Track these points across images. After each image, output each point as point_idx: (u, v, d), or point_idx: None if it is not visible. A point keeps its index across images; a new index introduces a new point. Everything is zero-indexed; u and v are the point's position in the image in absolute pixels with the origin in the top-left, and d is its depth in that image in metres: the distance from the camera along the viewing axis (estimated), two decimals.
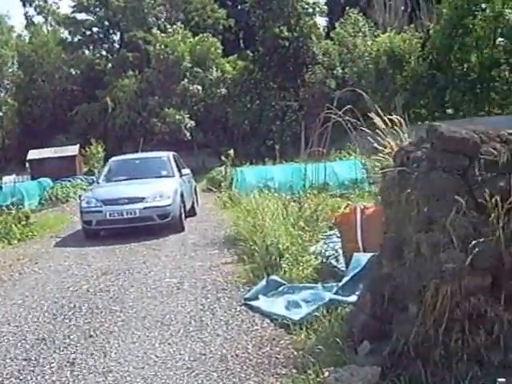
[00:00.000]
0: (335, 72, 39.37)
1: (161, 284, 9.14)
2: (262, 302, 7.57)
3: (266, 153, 36.26)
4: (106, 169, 16.56)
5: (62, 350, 6.61)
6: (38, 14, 56.83)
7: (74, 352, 6.52)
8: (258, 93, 41.79)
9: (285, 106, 40.13)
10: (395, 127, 6.91)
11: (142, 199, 13.76)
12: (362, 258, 7.05)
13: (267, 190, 18.11)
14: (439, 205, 4.91)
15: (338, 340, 5.51)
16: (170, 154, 16.64)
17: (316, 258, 8.70)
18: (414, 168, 5.24)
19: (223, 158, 32.50)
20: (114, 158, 17.05)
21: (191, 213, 16.48)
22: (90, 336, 7.00)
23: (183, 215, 14.65)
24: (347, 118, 18.27)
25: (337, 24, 42.06)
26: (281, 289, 7.79)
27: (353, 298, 6.63)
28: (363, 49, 39.51)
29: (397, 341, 5.05)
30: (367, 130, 8.27)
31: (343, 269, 8.42)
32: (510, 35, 34.54)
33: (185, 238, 13.39)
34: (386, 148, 6.43)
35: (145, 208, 13.64)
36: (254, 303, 7.62)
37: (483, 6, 34.87)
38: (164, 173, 15.47)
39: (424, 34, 38.85)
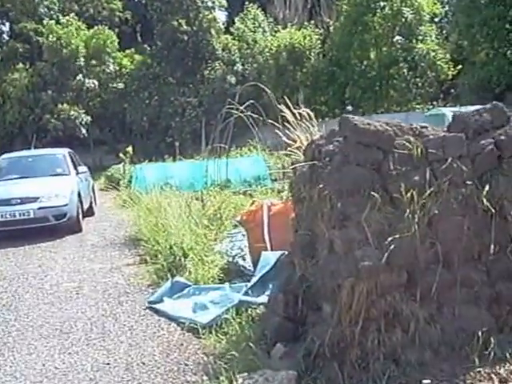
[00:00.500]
0: (235, 68, 39.28)
1: (58, 289, 8.73)
2: (168, 305, 7.34)
3: (166, 150, 35.82)
4: None
5: None
6: None
7: None
8: (157, 88, 41.13)
9: (184, 102, 39.72)
10: (304, 121, 6.85)
11: (36, 199, 13.15)
12: (270, 256, 6.92)
13: (168, 188, 17.84)
14: (353, 200, 4.84)
15: (250, 344, 5.35)
16: (66, 151, 16.03)
17: (222, 257, 8.53)
18: (326, 162, 5.15)
19: (121, 155, 31.85)
20: (4, 156, 16.20)
21: (89, 212, 15.95)
22: None
23: (81, 215, 14.14)
24: (249, 113, 18.32)
25: (236, 19, 42.00)
26: (186, 290, 7.58)
27: (263, 299, 6.50)
28: (263, 44, 39.66)
29: (312, 342, 4.95)
30: (275, 125, 8.12)
31: (250, 268, 8.29)
32: (407, 33, 35.59)
33: (83, 239, 12.92)
34: (295, 142, 6.34)
35: (39, 208, 13.04)
36: (158, 306, 7.38)
37: (382, 3, 35.77)
38: (59, 171, 14.87)
39: (324, 31, 39.49)
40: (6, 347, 6.50)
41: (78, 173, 15.01)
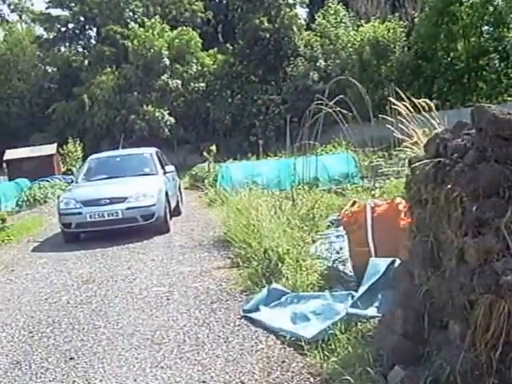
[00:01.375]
0: (318, 64, 38.51)
1: (148, 293, 8.23)
2: (264, 315, 6.70)
3: (249, 148, 35.45)
4: (84, 167, 15.49)
5: (39, 377, 5.73)
6: (12, 11, 55.46)
7: (53, 379, 5.64)
8: (239, 87, 40.87)
9: (267, 99, 39.25)
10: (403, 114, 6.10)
11: (124, 199, 12.80)
12: (379, 263, 6.18)
13: (255, 186, 17.29)
14: (491, 203, 4.06)
15: (363, 364, 4.64)
16: (153, 150, 15.66)
17: (320, 261, 7.83)
18: (456, 159, 4.38)
19: (205, 154, 31.60)
20: (93, 156, 16.03)
21: (176, 212, 15.53)
22: (71, 358, 6.11)
23: (168, 215, 13.70)
24: (338, 109, 17.56)
25: (317, 15, 41.19)
26: (284, 298, 6.91)
27: (371, 311, 5.78)
28: (346, 40, 38.76)
29: (440, 368, 4.20)
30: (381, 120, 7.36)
31: (351, 274, 7.60)
32: (497, 22, 33.91)
33: (171, 240, 12.46)
34: (409, 137, 5.59)
35: (128, 208, 12.68)
36: (254, 316, 6.74)
37: None
38: (147, 170, 14.50)
39: (408, 23, 38.18)
40: (97, 358, 6.02)
41: (165, 172, 14.61)
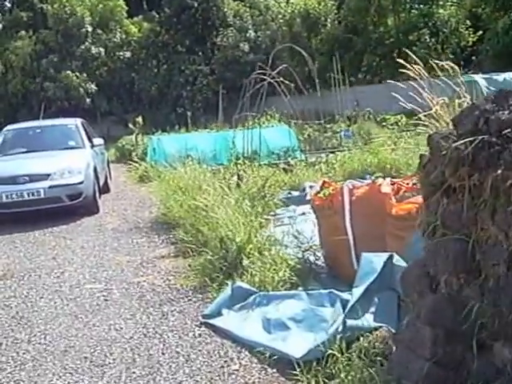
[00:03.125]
0: (248, 35, 37.09)
1: (81, 292, 6.83)
2: (230, 321, 5.44)
3: (176, 120, 33.91)
4: None
5: None
6: None
7: None
8: (166, 57, 39.01)
9: (195, 70, 37.60)
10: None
11: (46, 176, 11.18)
12: (374, 260, 4.98)
13: (190, 160, 15.95)
14: None
15: None
16: (78, 120, 13.99)
17: (287, 251, 6.62)
18: (507, 136, 3.26)
19: (131, 125, 29.99)
20: (9, 127, 14.06)
21: (105, 189, 14.00)
22: None
23: (97, 194, 12.20)
24: (281, 79, 16.36)
25: None
26: (251, 299, 5.65)
27: (368, 319, 4.62)
28: (276, 11, 37.47)
29: None
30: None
31: (323, 265, 6.47)
32: None
33: (102, 222, 10.99)
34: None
35: (51, 187, 11.07)
36: (217, 322, 5.47)
37: None
38: (72, 143, 12.86)
39: None
40: None
41: (93, 145, 13.04)
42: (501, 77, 22.88)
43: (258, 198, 9.42)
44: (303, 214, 10.01)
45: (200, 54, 38.22)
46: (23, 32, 38.54)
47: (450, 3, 33.96)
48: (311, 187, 11.56)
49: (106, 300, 6.44)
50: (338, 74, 35.71)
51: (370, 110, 23.55)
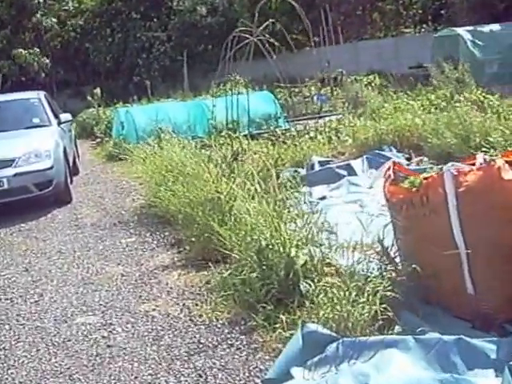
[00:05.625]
0: None
1: (71, 331, 4.78)
2: None
3: (134, 90, 31.44)
4: None
5: None
6: None
7: None
8: (120, 24, 36.14)
9: (151, 36, 34.93)
10: None
11: (9, 162, 8.92)
12: None
13: (164, 134, 13.85)
14: None
15: None
16: (41, 93, 11.64)
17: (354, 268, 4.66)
18: None
19: (89, 98, 27.59)
20: None
21: (74, 171, 11.78)
22: None
23: (69, 179, 10.05)
24: (267, 37, 14.32)
25: None
26: (332, 349, 3.68)
27: None
28: None
29: None
30: None
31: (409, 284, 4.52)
32: None
33: (77, 216, 8.87)
34: None
35: (16, 175, 8.83)
36: None
37: None
38: (36, 121, 10.52)
39: None
40: None
41: (60, 122, 10.79)
42: (486, 28, 20.61)
43: (268, 180, 7.44)
44: (323, 197, 8.15)
45: (156, 19, 35.52)
46: None
47: None
48: (322, 163, 9.66)
49: (109, 346, 4.42)
50: (299, 34, 33.82)
51: (342, 71, 21.68)
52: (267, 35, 13.99)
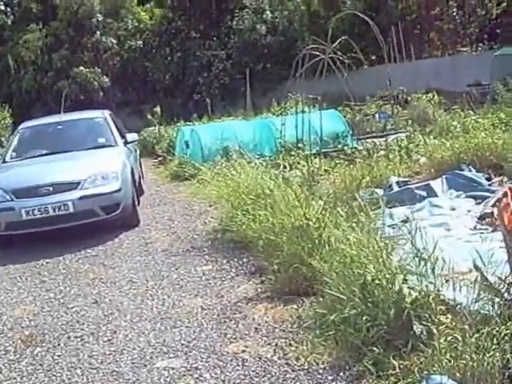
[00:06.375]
0: (264, 16, 34.19)
1: (152, 379, 4.20)
2: None
3: (194, 108, 31.34)
4: (14, 140, 10.70)
5: None
6: None
7: None
8: (180, 43, 36.19)
9: (211, 55, 34.80)
10: None
11: (75, 185, 8.50)
12: None
13: (231, 153, 13.39)
14: None
15: None
16: (106, 112, 11.25)
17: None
18: None
19: (149, 116, 27.57)
20: (25, 124, 11.33)
21: (139, 191, 11.33)
22: None
23: (136, 202, 9.61)
24: (339, 55, 13.73)
25: None
26: None
27: None
28: None
29: None
30: None
31: None
32: None
33: (147, 240, 8.38)
34: None
35: (82, 198, 8.41)
36: None
37: None
38: (102, 141, 10.13)
39: None
40: None
41: (126, 142, 10.40)
42: None
43: (348, 203, 6.79)
44: (407, 220, 7.42)
45: (215, 38, 35.41)
46: (33, 25, 35.74)
47: None
48: (400, 183, 8.98)
49: None
50: (361, 52, 33.20)
51: (403, 89, 20.93)
52: (339, 53, 13.40)
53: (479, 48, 32.15)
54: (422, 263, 4.18)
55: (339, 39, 13.41)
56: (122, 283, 6.54)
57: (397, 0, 33.23)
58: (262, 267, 6.18)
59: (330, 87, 15.65)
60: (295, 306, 5.06)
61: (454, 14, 30.73)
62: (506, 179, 8.05)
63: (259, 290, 5.69)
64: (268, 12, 34.32)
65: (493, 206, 6.43)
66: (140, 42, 36.78)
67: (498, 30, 33.42)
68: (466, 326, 3.48)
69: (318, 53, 13.29)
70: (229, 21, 35.24)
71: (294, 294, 5.25)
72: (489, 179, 8.25)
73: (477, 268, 4.84)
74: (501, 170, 8.48)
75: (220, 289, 5.91)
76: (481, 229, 6.28)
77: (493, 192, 7.46)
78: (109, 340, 4.98)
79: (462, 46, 32.95)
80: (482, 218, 6.52)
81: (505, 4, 30.86)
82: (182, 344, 4.69)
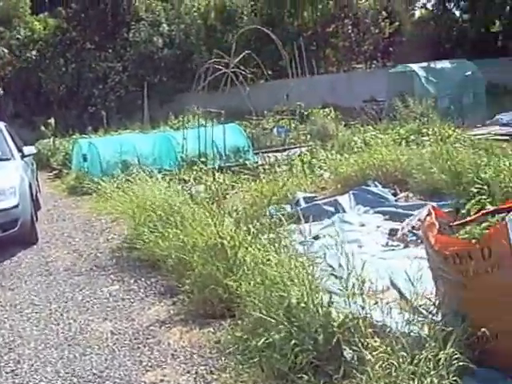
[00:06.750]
0: (161, 29, 33.81)
1: None
2: None
3: (90, 120, 30.50)
4: None
5: None
6: None
7: None
8: (74, 55, 35.14)
9: (107, 67, 33.98)
10: None
11: None
12: None
13: (131, 167, 12.97)
14: None
15: None
16: (1, 124, 10.61)
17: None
18: None
19: (43, 128, 26.60)
20: None
21: (36, 207, 10.74)
22: None
23: (35, 217, 9.07)
24: (241, 69, 13.68)
25: None
26: None
27: None
28: (190, 4, 34.40)
29: None
30: None
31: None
32: None
33: (47, 259, 7.87)
34: None
35: None
36: None
37: None
38: None
39: None
40: None
41: (23, 156, 9.83)
42: (438, 65, 20.98)
43: (258, 219, 6.65)
44: (317, 237, 7.37)
45: (111, 50, 34.62)
46: None
47: None
48: (307, 199, 8.94)
49: None
50: (257, 67, 33.42)
51: (300, 104, 21.21)
52: (242, 67, 13.36)
53: (373, 65, 33.34)
54: (349, 283, 4.06)
55: (242, 53, 13.37)
56: (22, 306, 6.07)
57: (293, 17, 33.88)
58: (173, 287, 5.92)
59: (230, 101, 15.57)
60: (212, 330, 4.84)
61: (350, 31, 31.61)
62: (411, 195, 8.17)
63: (172, 311, 5.42)
64: (165, 25, 33.97)
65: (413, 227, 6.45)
66: (34, 52, 35.41)
67: (390, 48, 34.78)
68: (403, 352, 3.38)
69: (220, 66, 13.18)
70: (125, 33, 34.59)
71: (210, 317, 5.03)
72: (395, 194, 8.34)
73: (395, 287, 4.82)
74: (406, 185, 8.60)
75: (130, 311, 5.59)
76: (392, 245, 6.29)
77: (400, 207, 7.54)
78: (12, 371, 4.56)
79: (356, 62, 34.05)
80: (391, 234, 6.54)
81: (397, 24, 32.21)
82: (94, 374, 4.35)
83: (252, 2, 33.45)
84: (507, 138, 12.68)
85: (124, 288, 6.29)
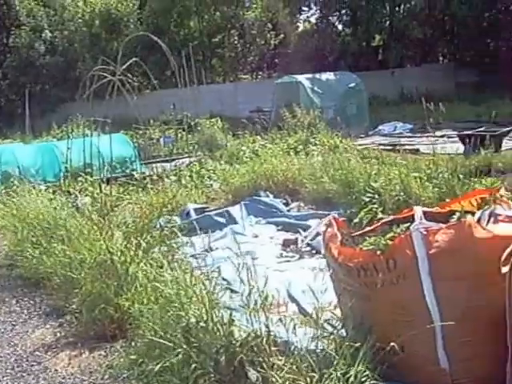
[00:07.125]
0: (43, 35, 32.50)
1: None
2: None
3: None
4: None
5: None
6: None
7: None
8: None
9: None
10: None
11: None
12: None
13: (14, 179, 12.20)
14: None
15: None
16: None
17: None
18: None
19: None
20: None
21: None
22: None
23: None
24: (128, 77, 13.17)
25: None
26: None
27: None
28: (73, 10, 33.28)
29: None
30: None
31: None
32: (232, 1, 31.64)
33: None
34: None
35: None
36: None
37: None
38: None
39: None
40: None
41: None
42: (323, 77, 21.43)
43: (148, 232, 6.32)
44: (209, 249, 7.11)
45: None
46: None
47: (255, 6, 32.37)
48: (198, 210, 8.68)
49: None
50: (142, 76, 32.80)
51: (187, 114, 20.97)
52: (129, 75, 12.90)
53: (259, 76, 33.64)
54: (250, 299, 3.84)
55: (130, 61, 12.94)
56: None
57: (179, 26, 33.60)
58: (59, 307, 5.49)
59: (116, 110, 15.00)
60: (104, 353, 4.49)
61: (236, 42, 31.73)
62: (303, 204, 8.12)
63: (58, 334, 5.00)
64: (47, 31, 32.70)
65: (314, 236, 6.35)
66: None
67: (276, 60, 35.27)
68: (311, 372, 3.19)
69: (106, 74, 12.69)
70: (4, 38, 33.00)
71: (101, 339, 4.67)
72: (287, 204, 8.26)
73: (293, 300, 4.66)
74: (298, 195, 8.54)
75: (12, 335, 5.12)
76: (287, 256, 6.16)
77: (292, 218, 7.45)
78: None
79: (243, 73, 34.25)
80: (285, 244, 6.41)
81: (282, 36, 32.70)
82: None
83: (138, 11, 32.82)
84: (389, 147, 13.02)
85: (5, 310, 5.78)
